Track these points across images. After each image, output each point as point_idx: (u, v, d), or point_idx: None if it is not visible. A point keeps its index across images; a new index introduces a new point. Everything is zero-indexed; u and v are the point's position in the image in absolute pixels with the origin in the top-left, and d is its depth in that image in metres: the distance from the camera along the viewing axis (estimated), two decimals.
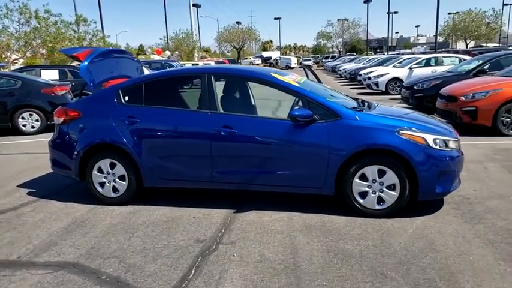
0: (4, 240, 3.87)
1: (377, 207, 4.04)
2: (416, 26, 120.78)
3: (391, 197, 3.99)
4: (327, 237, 3.67)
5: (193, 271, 3.18)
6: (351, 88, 20.34)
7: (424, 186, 3.91)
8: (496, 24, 47.25)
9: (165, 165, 4.47)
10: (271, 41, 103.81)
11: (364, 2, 48.43)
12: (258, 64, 67.21)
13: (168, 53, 37.84)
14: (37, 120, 10.16)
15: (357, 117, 4.04)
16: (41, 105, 10.13)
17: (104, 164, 4.63)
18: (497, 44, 46.61)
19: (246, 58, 62.11)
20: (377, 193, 4.01)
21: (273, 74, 4.50)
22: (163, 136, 4.45)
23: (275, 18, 69.84)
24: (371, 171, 3.98)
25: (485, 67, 10.42)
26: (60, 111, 4.85)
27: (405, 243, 3.48)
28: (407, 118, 4.27)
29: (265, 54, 79.08)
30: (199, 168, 4.39)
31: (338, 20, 66.18)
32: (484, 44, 43.37)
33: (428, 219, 3.97)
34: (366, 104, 4.67)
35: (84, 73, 4.79)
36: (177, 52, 43.61)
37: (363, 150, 3.93)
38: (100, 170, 4.66)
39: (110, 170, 4.63)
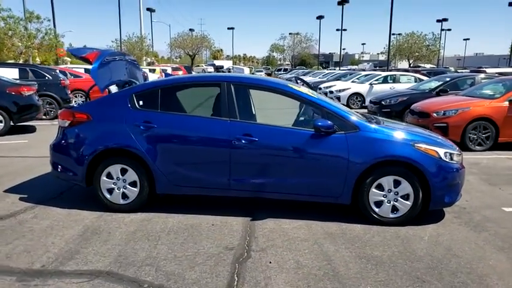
0: (17, 249, 3.63)
1: (391, 215, 4.27)
2: (362, 44, 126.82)
3: (405, 206, 4.23)
4: (353, 244, 3.82)
5: (236, 278, 3.19)
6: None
7: (436, 196, 4.20)
8: (435, 47, 50.88)
9: (180, 171, 4.41)
10: (221, 50, 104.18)
11: (317, 18, 50.21)
12: (210, 71, 67.20)
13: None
14: (0, 121, 9.49)
15: (374, 129, 4.27)
16: (5, 105, 9.49)
17: (114, 169, 4.48)
18: (434, 66, 50.22)
19: (198, 65, 61.73)
20: (392, 202, 4.25)
21: (290, 85, 4.63)
22: (181, 142, 4.40)
23: (228, 28, 70.23)
24: (387, 181, 4.21)
25: (446, 87, 11.27)
26: (66, 114, 4.63)
27: (427, 250, 3.72)
28: (417, 132, 4.57)
29: (217, 62, 79.20)
30: (217, 175, 4.38)
31: (290, 33, 67.94)
32: (422, 65, 46.68)
33: (438, 227, 4.26)
34: (374, 118, 4.92)
35: (95, 75, 4.63)
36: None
37: (380, 162, 4.16)
38: (109, 176, 4.50)
39: (120, 176, 4.49)
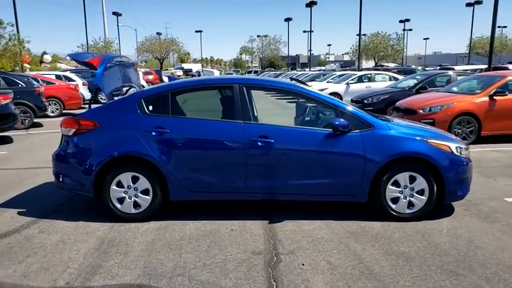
0: (33, 267, 3.42)
1: (407, 211, 4.33)
2: (328, 45, 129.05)
3: (420, 201, 4.30)
4: (377, 242, 3.84)
5: (274, 283, 3.13)
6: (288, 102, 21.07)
7: (449, 190, 4.29)
8: (399, 47, 52.54)
9: (195, 177, 4.30)
10: (188, 54, 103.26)
11: (285, 21, 50.72)
12: (179, 76, 66.42)
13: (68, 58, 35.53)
14: None
15: (388, 127, 4.32)
16: None
17: (125, 177, 4.31)
18: (397, 64, 51.76)
19: (167, 69, 60.89)
20: (408, 198, 4.31)
21: (301, 85, 4.61)
22: (196, 147, 4.29)
23: (196, 31, 69.68)
24: (403, 177, 4.26)
25: (425, 84, 11.62)
26: (70, 121, 4.42)
27: (449, 243, 3.79)
28: (426, 128, 4.66)
29: (185, 66, 78.43)
30: (233, 179, 4.31)
31: (258, 36, 68.26)
32: (385, 64, 48.13)
33: (452, 221, 4.35)
34: (383, 116, 4.98)
35: (100, 80, 4.45)
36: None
37: (397, 158, 4.21)
38: (119, 185, 4.33)
39: (131, 184, 4.32)
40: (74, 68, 25.65)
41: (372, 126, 4.28)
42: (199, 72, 65.27)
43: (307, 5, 40.21)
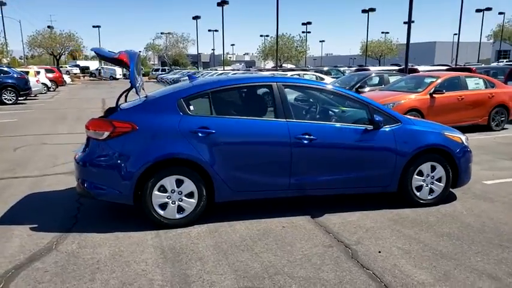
0: (111, 282, 3.10)
1: (429, 197, 4.82)
2: (231, 45, 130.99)
3: (439, 187, 4.82)
4: (421, 226, 4.23)
5: (371, 271, 3.29)
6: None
7: (461, 177, 4.88)
8: (302, 48, 55.62)
9: (241, 176, 4.25)
10: (81, 50, 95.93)
11: (193, 19, 50.16)
12: (76, 73, 61.45)
13: None
14: None
15: (413, 122, 4.76)
16: None
17: (169, 181, 4.08)
18: (294, 66, 54.88)
19: (62, 67, 55.93)
20: (429, 186, 4.79)
21: (331, 85, 4.82)
22: (242, 147, 4.24)
23: (94, 26, 64.98)
24: (426, 167, 4.74)
25: (362, 84, 12.69)
26: (101, 124, 4.03)
27: (477, 222, 4.34)
28: (434, 122, 5.22)
29: (81, 63, 72.78)
30: (278, 177, 4.35)
31: (162, 33, 66.30)
32: (285, 65, 50.82)
33: (462, 203, 4.94)
34: None
35: (133, 77, 4.14)
36: None
37: (422, 150, 4.66)
38: (162, 189, 4.08)
39: (175, 188, 4.11)
40: None
41: (400, 122, 4.67)
42: (99, 70, 61.27)
43: (219, 4, 40.34)
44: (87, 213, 4.61)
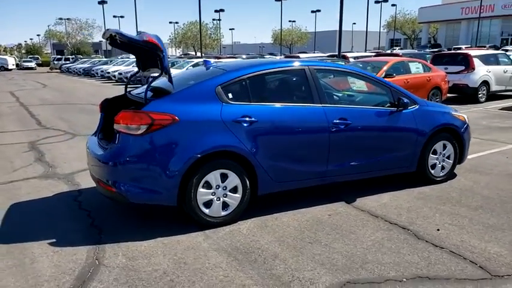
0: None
1: (441, 174, 5.07)
2: (138, 32, 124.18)
3: (449, 164, 5.10)
4: (450, 202, 4.43)
5: (445, 248, 3.36)
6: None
7: (465, 153, 5.23)
8: (216, 36, 55.13)
9: (284, 166, 4.04)
10: None
11: (99, 3, 46.51)
12: None
13: None
14: None
15: (427, 103, 4.94)
16: None
17: (214, 176, 3.72)
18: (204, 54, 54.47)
19: None
20: (441, 163, 5.05)
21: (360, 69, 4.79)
22: (284, 135, 4.01)
23: None
24: (439, 146, 4.97)
25: None
26: (135, 117, 3.50)
27: (492, 193, 4.66)
28: (441, 104, 5.48)
29: None
30: (316, 164, 4.22)
31: (60, 18, 60.46)
32: (191, 53, 50.25)
33: (465, 178, 5.27)
34: None
35: (167, 62, 3.66)
36: None
37: (436, 130, 4.87)
38: (207, 186, 3.70)
39: (220, 183, 3.75)
40: None
41: (417, 104, 4.82)
42: None
43: None
44: (103, 219, 4.02)
